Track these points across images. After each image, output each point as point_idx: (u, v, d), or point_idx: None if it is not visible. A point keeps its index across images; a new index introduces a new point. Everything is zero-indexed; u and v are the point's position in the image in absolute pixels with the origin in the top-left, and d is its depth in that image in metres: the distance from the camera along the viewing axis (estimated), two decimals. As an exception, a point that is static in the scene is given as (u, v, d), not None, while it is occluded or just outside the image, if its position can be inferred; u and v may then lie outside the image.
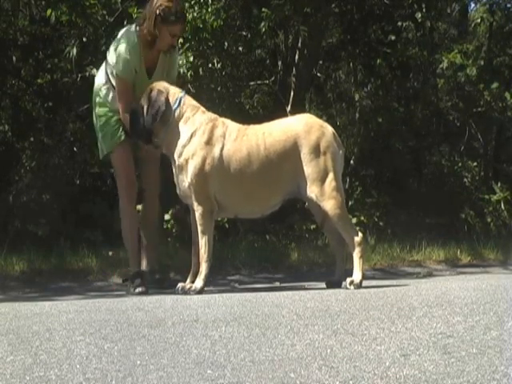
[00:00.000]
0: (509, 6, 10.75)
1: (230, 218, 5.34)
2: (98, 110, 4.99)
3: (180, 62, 7.11)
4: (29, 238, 7.33)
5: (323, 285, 4.83)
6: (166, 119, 4.62)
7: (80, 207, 7.87)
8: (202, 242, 4.56)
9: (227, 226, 7.62)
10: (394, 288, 4.47)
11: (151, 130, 4.65)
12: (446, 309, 3.14)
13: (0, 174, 8.87)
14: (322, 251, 6.80)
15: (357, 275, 4.56)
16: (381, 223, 8.60)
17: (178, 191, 4.74)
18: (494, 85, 9.47)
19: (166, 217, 7.60)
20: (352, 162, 9.84)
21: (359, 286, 4.51)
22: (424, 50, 10.09)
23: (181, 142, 4.59)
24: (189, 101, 4.72)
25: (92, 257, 6.09)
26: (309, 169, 4.62)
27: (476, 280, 5.34)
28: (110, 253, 6.24)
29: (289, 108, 9.30)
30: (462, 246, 7.40)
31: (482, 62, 9.65)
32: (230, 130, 4.65)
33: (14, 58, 9.53)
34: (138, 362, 2.18)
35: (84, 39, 7.50)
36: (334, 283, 4.72)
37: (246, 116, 9.50)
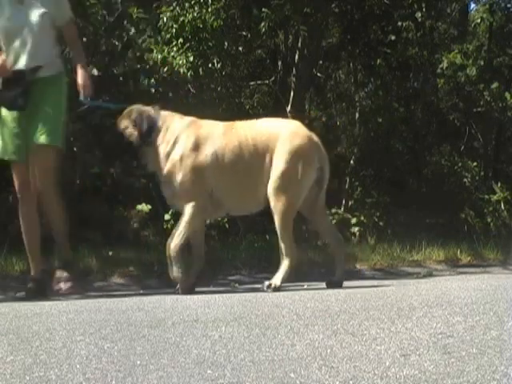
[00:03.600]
0: (509, 6, 10.78)
1: (223, 216, 5.32)
2: None
3: (180, 61, 7.12)
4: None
5: (323, 285, 4.83)
6: (151, 137, 4.63)
7: (80, 207, 7.86)
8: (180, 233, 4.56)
9: (227, 226, 7.62)
10: (394, 288, 4.47)
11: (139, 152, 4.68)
12: (446, 309, 3.14)
13: (0, 174, 8.85)
14: (321, 251, 6.80)
15: (277, 279, 4.52)
16: (381, 223, 8.61)
17: (167, 201, 4.77)
18: (494, 85, 9.49)
19: (166, 217, 7.60)
20: (352, 161, 9.85)
21: (276, 288, 4.46)
22: (424, 50, 10.11)
23: (165, 151, 4.60)
24: (164, 113, 4.74)
25: (92, 257, 6.09)
26: (278, 169, 4.56)
27: (476, 280, 5.34)
28: (110, 253, 6.24)
29: (289, 108, 9.31)
30: (462, 246, 7.41)
31: (482, 62, 9.69)
32: (214, 127, 4.68)
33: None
34: (138, 362, 2.18)
35: (84, 39, 7.50)
36: (335, 283, 4.72)
37: (246, 116, 9.50)
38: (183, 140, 4.59)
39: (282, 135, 4.62)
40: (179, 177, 4.56)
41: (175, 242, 4.56)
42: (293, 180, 4.57)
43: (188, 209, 4.58)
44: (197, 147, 4.57)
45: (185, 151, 4.57)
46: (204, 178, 4.56)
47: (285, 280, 4.58)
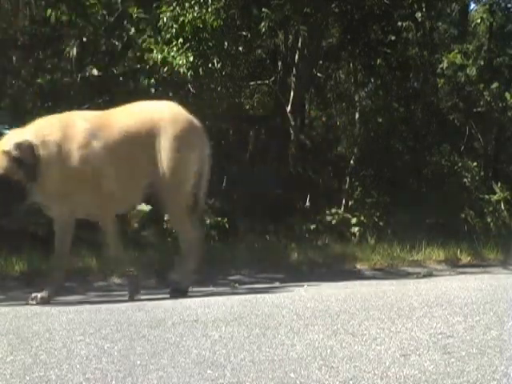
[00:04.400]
0: (509, 6, 10.79)
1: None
2: None
3: (180, 61, 7.12)
4: (29, 238, 7.33)
5: (323, 285, 4.83)
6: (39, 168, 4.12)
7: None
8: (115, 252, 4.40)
9: (227, 226, 7.62)
10: (394, 288, 4.47)
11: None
12: (446, 309, 3.14)
13: None
14: (322, 251, 6.80)
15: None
16: (381, 223, 8.61)
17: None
18: (494, 85, 9.50)
19: (166, 217, 7.60)
20: (352, 161, 9.85)
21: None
22: (424, 50, 10.11)
23: (52, 172, 4.14)
24: (36, 131, 4.18)
25: (92, 257, 6.09)
26: (165, 160, 4.33)
27: (476, 280, 5.34)
28: (110, 253, 6.22)
29: (289, 108, 9.32)
30: (462, 245, 7.41)
31: (482, 62, 9.69)
32: (82, 123, 4.28)
33: (13, 58, 9.53)
34: (138, 362, 2.18)
35: (84, 39, 7.51)
36: (178, 290, 4.43)
37: (246, 116, 9.51)
38: (65, 150, 4.15)
39: (163, 120, 4.37)
40: (77, 186, 4.20)
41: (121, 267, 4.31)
42: (180, 167, 4.36)
43: (108, 222, 4.40)
44: (80, 152, 4.17)
45: (72, 160, 4.16)
46: (101, 179, 4.23)
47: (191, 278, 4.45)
